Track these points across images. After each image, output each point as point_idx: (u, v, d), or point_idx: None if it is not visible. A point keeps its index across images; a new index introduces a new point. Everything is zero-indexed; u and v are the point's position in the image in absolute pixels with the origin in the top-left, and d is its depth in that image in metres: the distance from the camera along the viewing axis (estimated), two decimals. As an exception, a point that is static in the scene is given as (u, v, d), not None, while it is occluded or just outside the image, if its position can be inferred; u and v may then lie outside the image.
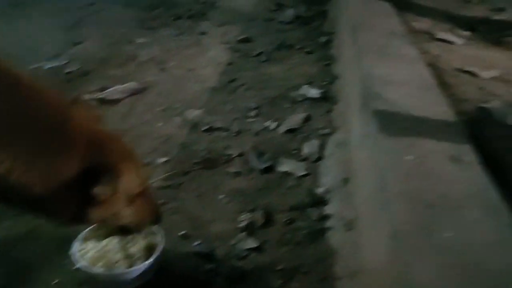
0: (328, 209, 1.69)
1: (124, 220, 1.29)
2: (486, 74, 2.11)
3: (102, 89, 2.53)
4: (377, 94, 1.67)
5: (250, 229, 1.61)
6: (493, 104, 1.82)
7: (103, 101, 2.43)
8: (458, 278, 0.96)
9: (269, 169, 1.94)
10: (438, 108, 1.61)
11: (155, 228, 1.44)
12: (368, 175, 1.46)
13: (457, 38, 2.53)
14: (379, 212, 1.23)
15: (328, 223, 1.62)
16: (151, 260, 1.36)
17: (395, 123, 1.49)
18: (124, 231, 1.38)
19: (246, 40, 3.33)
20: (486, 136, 1.67)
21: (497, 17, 2.88)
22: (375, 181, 1.34)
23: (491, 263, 0.99)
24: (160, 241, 1.41)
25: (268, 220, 1.66)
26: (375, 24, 2.49)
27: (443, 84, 1.97)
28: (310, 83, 2.61)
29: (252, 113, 2.37)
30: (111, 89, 2.50)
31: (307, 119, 2.29)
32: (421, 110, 1.58)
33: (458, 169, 1.29)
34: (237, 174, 1.92)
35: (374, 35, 2.32)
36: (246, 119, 2.32)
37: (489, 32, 2.64)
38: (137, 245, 1.40)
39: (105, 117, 1.28)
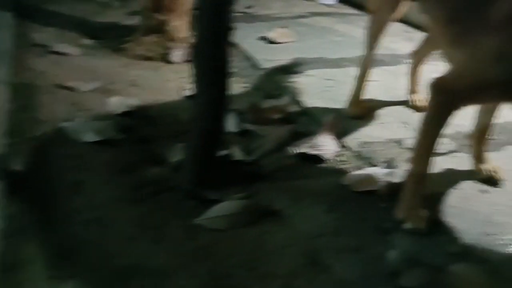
0: None
1: None
2: (87, 87, 2.18)
3: None
4: None
5: None
6: (74, 121, 1.88)
7: None
8: None
9: None
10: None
11: None
12: None
13: (76, 49, 2.56)
14: None
15: None
16: None
17: None
18: None
19: None
20: (57, 156, 1.73)
21: (128, 22, 3.00)
22: None
23: None
24: None
25: None
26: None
27: (32, 105, 1.96)
28: None
29: None
30: None
31: None
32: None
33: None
34: None
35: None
36: None
37: (113, 39, 2.74)
38: None
39: None
